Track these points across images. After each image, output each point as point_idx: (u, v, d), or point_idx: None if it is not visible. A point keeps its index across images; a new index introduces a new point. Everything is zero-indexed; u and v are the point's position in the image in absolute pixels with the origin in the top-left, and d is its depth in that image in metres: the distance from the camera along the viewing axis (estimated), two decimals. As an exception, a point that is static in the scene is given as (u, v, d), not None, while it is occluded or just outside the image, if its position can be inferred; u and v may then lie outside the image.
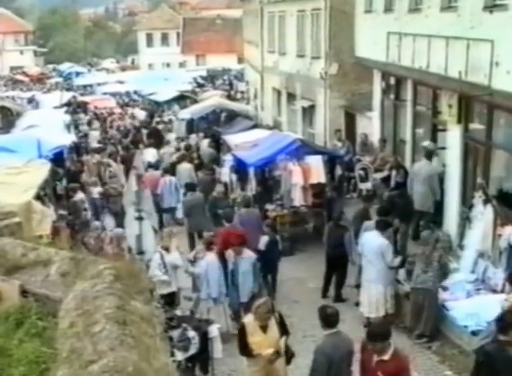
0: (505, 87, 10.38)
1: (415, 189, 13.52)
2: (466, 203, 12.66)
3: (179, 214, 16.91)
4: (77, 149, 22.34)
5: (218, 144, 22.96)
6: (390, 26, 15.67)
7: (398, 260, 11.00)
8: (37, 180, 12.58)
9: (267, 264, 11.99)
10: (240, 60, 49.23)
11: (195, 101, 34.84)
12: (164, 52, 69.86)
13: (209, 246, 11.12)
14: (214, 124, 27.49)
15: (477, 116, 12.65)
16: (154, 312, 5.05)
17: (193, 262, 11.26)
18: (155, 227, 11.96)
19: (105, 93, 44.93)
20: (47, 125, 21.32)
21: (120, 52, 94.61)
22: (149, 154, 22.22)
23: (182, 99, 37.06)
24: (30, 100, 40.76)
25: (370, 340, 6.66)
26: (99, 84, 50.65)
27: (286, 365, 8.19)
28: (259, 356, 7.87)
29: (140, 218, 10.83)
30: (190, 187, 16.19)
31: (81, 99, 41.84)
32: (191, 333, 8.98)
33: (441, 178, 13.60)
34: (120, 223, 13.26)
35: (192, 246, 14.72)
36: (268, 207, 15.76)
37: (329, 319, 7.23)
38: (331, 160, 16.39)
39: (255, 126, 24.54)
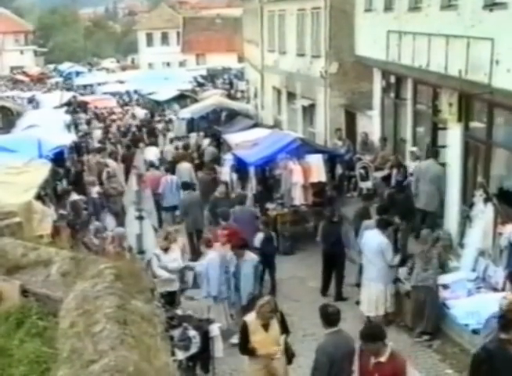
0: (505, 85, 10.37)
1: (421, 189, 13.43)
2: (467, 201, 12.64)
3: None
4: (78, 149, 22.37)
5: (218, 143, 22.99)
6: (390, 24, 15.65)
7: (397, 258, 11.02)
8: (38, 180, 12.59)
9: (263, 261, 12.05)
10: (240, 59, 49.19)
11: (195, 100, 34.84)
12: (164, 52, 69.87)
13: (209, 244, 11.14)
14: (214, 124, 27.49)
15: (477, 114, 12.63)
16: (155, 312, 5.05)
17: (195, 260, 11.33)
18: (155, 226, 11.98)
19: (105, 93, 44.97)
20: (47, 125, 21.33)
21: (121, 51, 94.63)
22: (151, 153, 22.27)
23: (182, 99, 37.07)
24: (31, 100, 40.81)
25: (362, 340, 6.65)
26: (99, 84, 50.70)
27: (288, 364, 8.20)
28: (262, 354, 7.89)
29: (140, 218, 10.85)
30: (187, 186, 16.27)
31: (81, 98, 41.87)
32: (192, 332, 8.98)
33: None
34: (120, 223, 13.28)
35: (191, 245, 14.76)
36: (269, 206, 15.78)
37: (330, 317, 7.24)
38: (331, 159, 16.40)
39: (255, 125, 24.55)
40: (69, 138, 21.25)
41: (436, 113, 14.33)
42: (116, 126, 32.10)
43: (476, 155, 12.75)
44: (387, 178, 15.50)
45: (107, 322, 4.15)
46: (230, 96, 36.36)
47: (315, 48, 21.82)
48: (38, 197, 12.10)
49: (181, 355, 8.67)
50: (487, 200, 11.42)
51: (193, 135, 26.09)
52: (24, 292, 5.33)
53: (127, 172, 19.34)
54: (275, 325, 8.00)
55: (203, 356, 9.26)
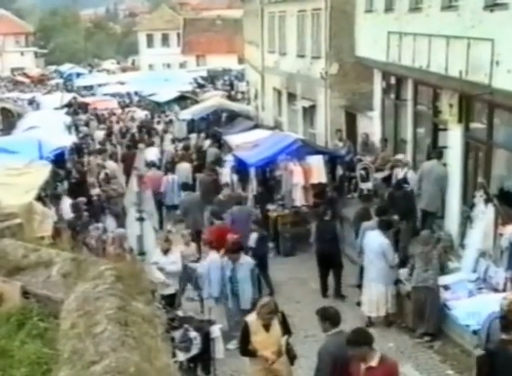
0: (505, 86, 10.37)
1: (424, 189, 13.39)
2: (468, 202, 12.64)
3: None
4: (78, 150, 22.38)
5: (219, 144, 23.00)
6: (390, 25, 15.66)
7: (396, 259, 11.04)
8: (39, 181, 12.61)
9: (257, 260, 12.02)
10: (241, 61, 49.25)
11: (195, 101, 34.90)
12: (165, 53, 69.87)
13: (211, 245, 11.16)
14: (214, 125, 27.53)
15: (477, 115, 12.64)
16: (156, 313, 5.04)
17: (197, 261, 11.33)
18: (156, 227, 11.99)
19: (105, 94, 45.00)
20: (48, 126, 21.37)
21: (121, 52, 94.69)
22: (151, 153, 22.30)
23: (182, 100, 37.13)
24: (31, 101, 40.85)
25: (347, 345, 6.54)
26: (99, 85, 50.75)
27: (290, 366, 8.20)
28: (262, 356, 7.88)
29: (141, 219, 10.85)
30: (186, 187, 16.47)
31: (81, 100, 41.89)
32: (193, 333, 8.98)
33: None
34: (121, 224, 13.28)
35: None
36: (270, 207, 15.78)
37: (334, 319, 7.20)
38: (332, 160, 16.41)
39: (256, 126, 24.57)
40: (69, 139, 21.28)
41: (436, 114, 14.33)
42: (118, 127, 32.15)
43: (476, 156, 12.74)
44: (387, 179, 15.50)
45: (108, 323, 4.15)
46: (230, 97, 36.39)
47: (315, 49, 21.83)
48: (39, 199, 12.11)
49: (182, 356, 8.66)
50: (487, 200, 11.42)
51: (193, 136, 26.11)
52: (25, 293, 5.32)
53: (127, 173, 19.39)
54: (276, 326, 7.99)
55: (204, 358, 9.25)
